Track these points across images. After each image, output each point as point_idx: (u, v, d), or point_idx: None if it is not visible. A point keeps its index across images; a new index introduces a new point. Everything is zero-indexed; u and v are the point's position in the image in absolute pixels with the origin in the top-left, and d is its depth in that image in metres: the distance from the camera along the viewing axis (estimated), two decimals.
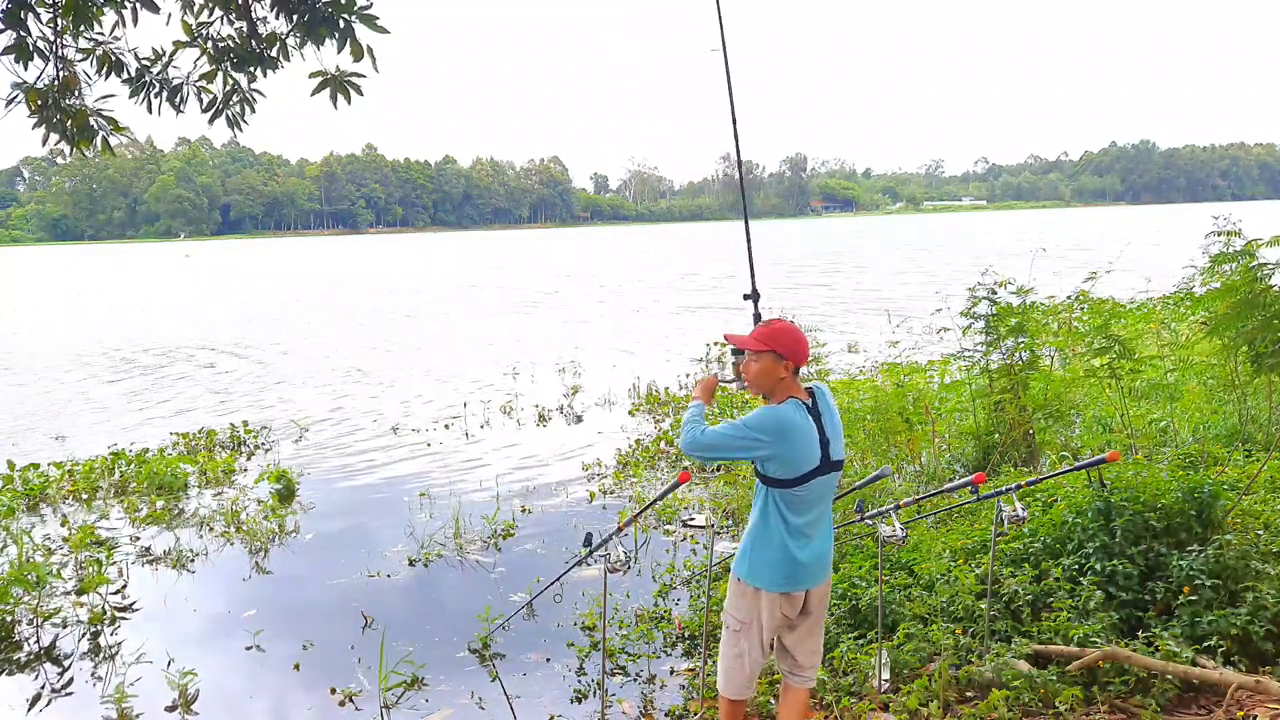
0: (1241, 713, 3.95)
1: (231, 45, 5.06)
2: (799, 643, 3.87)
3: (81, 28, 4.88)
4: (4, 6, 4.57)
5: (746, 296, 4.20)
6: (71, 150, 5.16)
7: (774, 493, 3.63)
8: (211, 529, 8.60)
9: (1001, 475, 6.80)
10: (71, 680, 5.80)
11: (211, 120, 5.15)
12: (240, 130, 5.20)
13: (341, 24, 4.82)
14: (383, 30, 4.86)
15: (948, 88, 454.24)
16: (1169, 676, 4.17)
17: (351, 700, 5.43)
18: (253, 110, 5.22)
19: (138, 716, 5.34)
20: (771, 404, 3.64)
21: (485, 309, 30.66)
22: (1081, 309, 8.46)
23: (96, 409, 15.10)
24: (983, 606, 4.84)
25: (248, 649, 6.15)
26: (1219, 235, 6.83)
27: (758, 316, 4.08)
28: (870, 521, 4.94)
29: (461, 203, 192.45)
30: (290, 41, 5.04)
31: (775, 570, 3.66)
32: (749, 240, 4.54)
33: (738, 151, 4.72)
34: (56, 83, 4.89)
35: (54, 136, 5.03)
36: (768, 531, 3.66)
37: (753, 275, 4.23)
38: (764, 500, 3.67)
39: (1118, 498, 5.02)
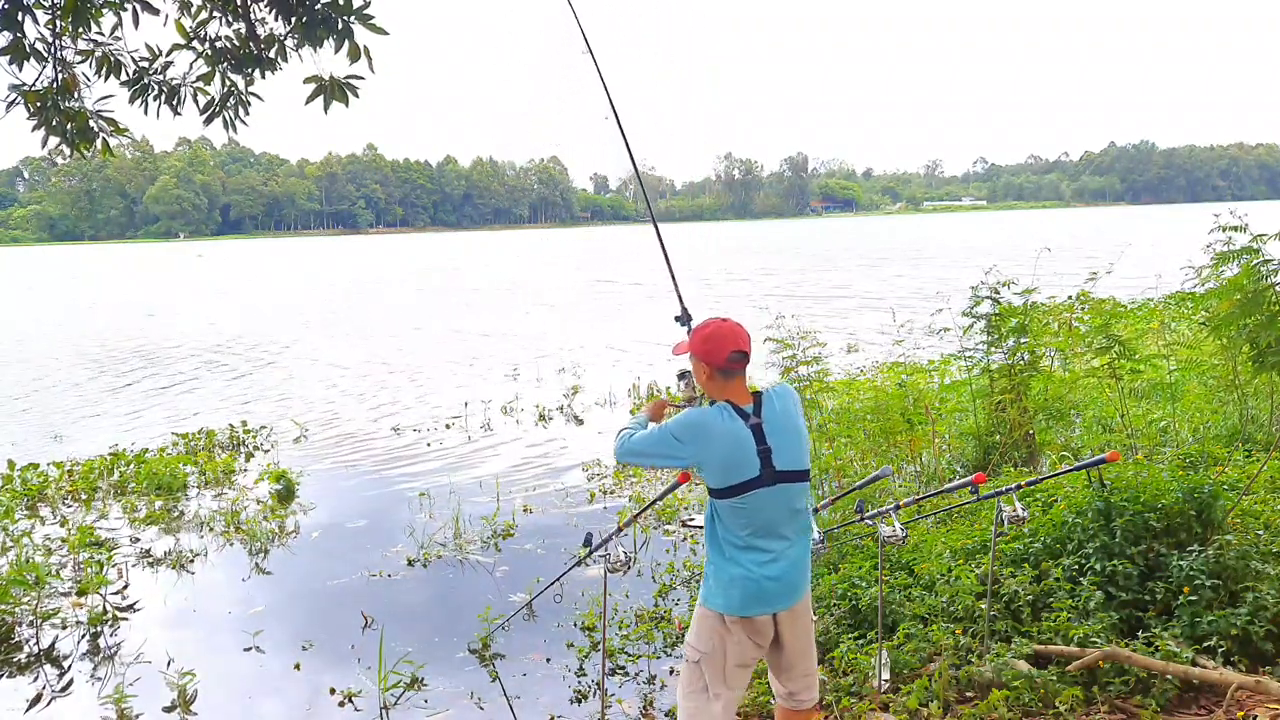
0: (1241, 713, 3.95)
1: (229, 47, 5.06)
2: (782, 673, 3.48)
3: (80, 29, 4.87)
4: (1, 7, 4.56)
5: (677, 319, 3.93)
6: (71, 152, 5.16)
7: (716, 504, 3.30)
8: (211, 529, 8.60)
9: (1001, 475, 6.79)
10: (71, 681, 5.80)
11: (207, 122, 5.15)
12: (236, 132, 5.21)
13: (340, 25, 4.82)
14: (381, 31, 4.86)
15: (948, 88, 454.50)
16: (1169, 676, 4.17)
17: (351, 700, 5.43)
18: (248, 112, 5.22)
19: (137, 717, 5.34)
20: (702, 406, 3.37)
21: (486, 309, 30.63)
22: (1082, 309, 8.45)
23: (97, 408, 15.10)
24: (983, 606, 4.84)
25: (247, 649, 6.15)
26: (1224, 230, 6.75)
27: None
28: (870, 521, 4.93)
29: (461, 203, 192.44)
30: (289, 43, 5.04)
31: (732, 590, 3.27)
32: (668, 261, 4.32)
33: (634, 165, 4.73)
34: (55, 85, 4.88)
35: (54, 138, 5.03)
36: (718, 547, 3.32)
37: (680, 297, 4.01)
38: (710, 513, 3.34)
39: (1118, 498, 5.01)
